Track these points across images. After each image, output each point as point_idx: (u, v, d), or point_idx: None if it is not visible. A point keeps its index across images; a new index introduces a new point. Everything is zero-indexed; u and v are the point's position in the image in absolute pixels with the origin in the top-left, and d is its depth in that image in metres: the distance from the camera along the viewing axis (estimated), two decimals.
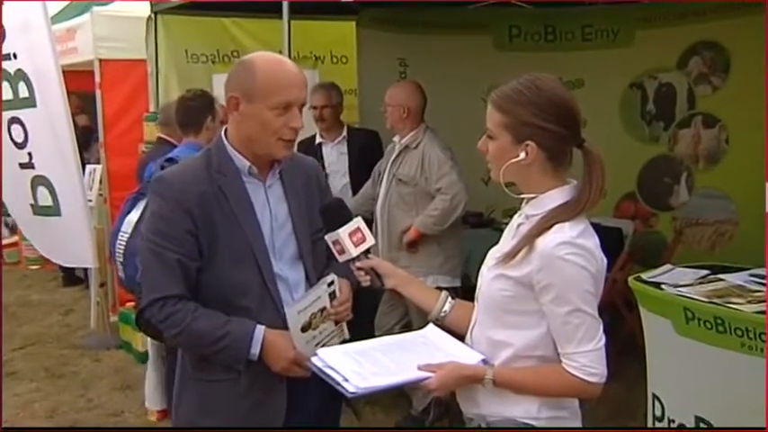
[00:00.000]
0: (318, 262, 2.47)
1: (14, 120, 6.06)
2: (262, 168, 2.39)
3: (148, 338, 4.72)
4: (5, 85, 5.98)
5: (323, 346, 2.32)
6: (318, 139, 5.56)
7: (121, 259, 3.69)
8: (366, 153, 5.24)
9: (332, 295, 2.34)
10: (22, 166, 6.12)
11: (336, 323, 2.39)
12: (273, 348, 2.28)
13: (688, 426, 3.46)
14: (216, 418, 2.37)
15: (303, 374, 2.27)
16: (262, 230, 2.35)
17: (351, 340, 2.28)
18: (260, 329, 2.28)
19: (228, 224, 2.30)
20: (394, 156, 4.77)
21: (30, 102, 6.01)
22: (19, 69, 5.96)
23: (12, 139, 6.10)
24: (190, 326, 2.27)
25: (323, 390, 2.23)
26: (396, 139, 4.83)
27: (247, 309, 2.32)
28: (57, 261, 6.99)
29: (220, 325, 2.27)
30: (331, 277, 2.34)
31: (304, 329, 2.29)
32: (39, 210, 6.16)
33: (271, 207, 2.40)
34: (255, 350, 2.27)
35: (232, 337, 2.26)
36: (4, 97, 5.94)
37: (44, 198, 6.09)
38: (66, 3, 8.24)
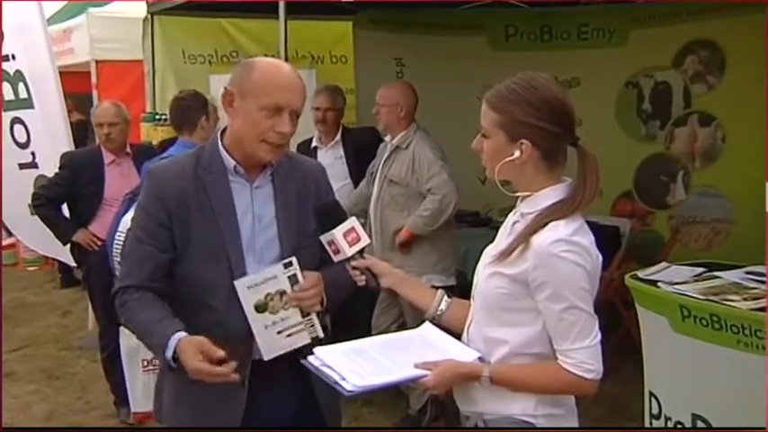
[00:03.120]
0: (305, 266, 2.40)
1: (17, 120, 6.09)
2: (251, 169, 2.39)
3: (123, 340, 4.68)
4: (6, 85, 5.98)
5: (288, 336, 2.31)
6: (315, 143, 5.54)
7: (119, 259, 3.70)
8: (365, 151, 5.18)
9: (293, 279, 2.30)
10: (23, 165, 6.12)
11: (305, 315, 2.34)
12: (183, 354, 2.15)
13: (685, 423, 3.47)
14: (184, 408, 2.40)
15: (224, 373, 2.12)
16: (240, 230, 2.35)
17: (348, 339, 2.27)
18: (178, 336, 2.18)
19: (205, 221, 2.32)
20: (385, 156, 4.77)
21: (28, 103, 6.03)
22: (18, 70, 5.98)
23: (14, 139, 6.11)
24: (134, 316, 2.31)
25: (295, 393, 2.30)
26: (387, 139, 4.83)
27: (215, 308, 2.32)
28: (60, 258, 6.99)
29: (153, 322, 2.27)
30: (289, 259, 2.30)
31: (259, 310, 2.26)
32: None
33: (254, 208, 2.39)
34: (169, 354, 2.18)
35: (157, 339, 2.25)
36: (5, 98, 5.95)
37: None
38: (63, 4, 8.25)
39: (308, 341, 2.33)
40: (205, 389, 2.26)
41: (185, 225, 2.31)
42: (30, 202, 6.10)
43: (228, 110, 2.35)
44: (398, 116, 4.67)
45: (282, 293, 2.29)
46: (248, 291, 2.26)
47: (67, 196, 5.06)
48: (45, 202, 5.07)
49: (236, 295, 2.28)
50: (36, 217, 6.06)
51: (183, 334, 2.20)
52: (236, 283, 2.26)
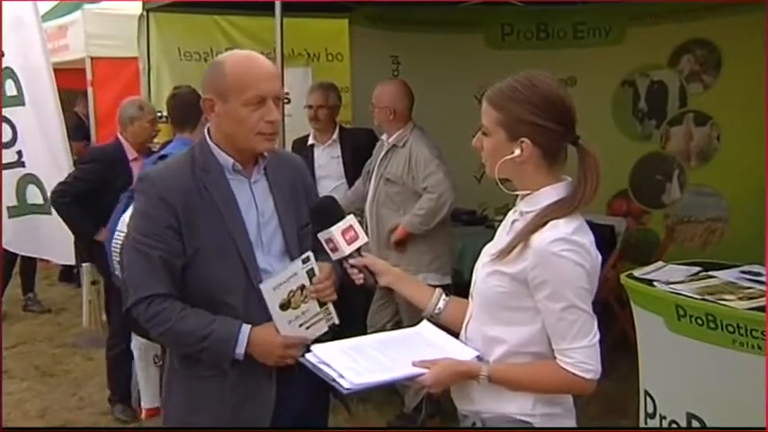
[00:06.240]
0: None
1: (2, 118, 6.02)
2: (246, 164, 2.40)
3: (136, 338, 4.68)
4: None
5: (309, 327, 2.34)
6: (311, 141, 5.52)
7: (118, 258, 3.68)
8: (362, 152, 5.16)
9: (310, 273, 2.33)
10: (8, 165, 6.05)
11: (322, 305, 2.38)
12: (261, 344, 2.29)
13: (680, 422, 3.48)
14: (204, 414, 2.37)
15: (298, 355, 2.27)
16: (246, 226, 2.36)
17: (343, 337, 2.27)
18: (245, 329, 2.29)
19: (212, 220, 2.31)
20: (382, 155, 4.76)
21: (18, 100, 5.99)
22: (7, 67, 5.93)
23: None
24: (175, 325, 2.28)
25: (311, 384, 2.23)
26: (384, 137, 4.83)
27: (233, 306, 2.32)
28: (50, 258, 6.96)
29: (205, 324, 2.28)
30: (307, 254, 2.33)
31: (283, 308, 2.29)
32: (26, 208, 6.10)
33: (256, 202, 2.41)
34: (241, 350, 2.28)
35: (216, 337, 2.27)
36: None
37: (34, 196, 6.06)
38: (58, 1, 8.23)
39: (326, 329, 2.37)
40: (231, 386, 2.33)
41: (193, 226, 2.30)
42: (9, 204, 6.06)
43: (211, 115, 2.36)
44: (388, 117, 4.68)
45: (302, 288, 2.32)
46: (273, 292, 2.27)
47: (91, 192, 4.94)
48: (71, 199, 4.93)
49: (253, 291, 2.30)
50: (17, 219, 6.01)
51: (249, 326, 2.28)
52: (261, 286, 2.27)
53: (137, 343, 4.63)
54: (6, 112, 5.99)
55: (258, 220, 2.39)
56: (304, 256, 2.32)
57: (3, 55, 5.92)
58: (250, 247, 2.35)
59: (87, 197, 4.95)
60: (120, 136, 5.14)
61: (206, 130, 2.43)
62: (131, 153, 5.03)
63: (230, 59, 2.36)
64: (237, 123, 2.30)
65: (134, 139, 5.06)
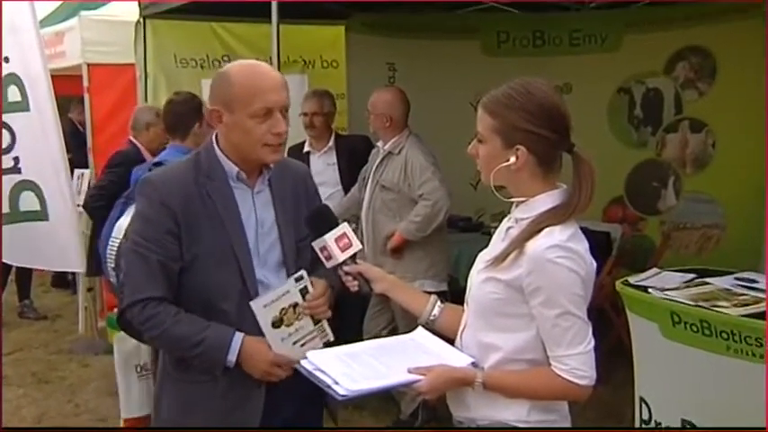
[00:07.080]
0: (303, 268, 2.44)
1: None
2: (251, 174, 2.40)
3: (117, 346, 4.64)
4: None
5: (303, 345, 2.34)
6: (307, 148, 5.53)
7: (113, 265, 3.67)
8: (357, 159, 5.17)
9: (303, 291, 2.33)
10: (3, 171, 6.03)
11: (316, 322, 2.38)
12: (251, 355, 2.30)
13: (675, 429, 3.48)
14: (196, 417, 2.38)
15: (284, 376, 2.29)
16: (246, 235, 2.37)
17: (338, 344, 2.27)
18: (238, 337, 2.29)
19: (212, 226, 2.32)
20: (377, 162, 4.77)
21: (22, 105, 5.96)
22: (11, 73, 5.93)
23: None
24: (169, 329, 2.29)
25: (301, 394, 2.26)
26: (379, 144, 4.84)
27: (227, 313, 2.33)
28: (38, 266, 6.93)
29: (199, 330, 2.29)
30: (300, 272, 2.34)
31: (275, 325, 2.29)
32: (19, 216, 6.06)
33: (257, 213, 2.41)
34: (232, 357, 2.29)
35: (209, 344, 2.28)
36: None
37: (30, 203, 6.02)
38: (55, 6, 8.22)
39: (321, 346, 2.36)
40: (222, 393, 2.34)
41: (194, 232, 2.30)
42: (8, 210, 6.02)
43: (219, 126, 2.36)
44: (384, 125, 4.69)
45: (295, 306, 2.33)
46: (264, 309, 2.28)
47: (116, 196, 4.93)
48: (106, 203, 4.75)
49: (249, 298, 2.30)
50: (9, 227, 5.98)
51: (242, 334, 2.29)
52: (251, 303, 2.28)
53: (118, 351, 4.59)
54: (7, 117, 5.98)
55: (257, 231, 2.40)
56: (297, 274, 2.33)
57: (7, 60, 5.92)
58: (248, 254, 2.36)
59: (113, 200, 4.97)
60: (134, 140, 5.15)
61: (213, 137, 2.43)
62: (148, 157, 5.06)
63: (236, 70, 2.35)
64: (244, 134, 2.30)
65: (148, 144, 5.13)
